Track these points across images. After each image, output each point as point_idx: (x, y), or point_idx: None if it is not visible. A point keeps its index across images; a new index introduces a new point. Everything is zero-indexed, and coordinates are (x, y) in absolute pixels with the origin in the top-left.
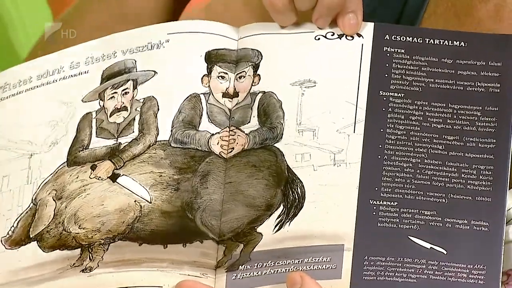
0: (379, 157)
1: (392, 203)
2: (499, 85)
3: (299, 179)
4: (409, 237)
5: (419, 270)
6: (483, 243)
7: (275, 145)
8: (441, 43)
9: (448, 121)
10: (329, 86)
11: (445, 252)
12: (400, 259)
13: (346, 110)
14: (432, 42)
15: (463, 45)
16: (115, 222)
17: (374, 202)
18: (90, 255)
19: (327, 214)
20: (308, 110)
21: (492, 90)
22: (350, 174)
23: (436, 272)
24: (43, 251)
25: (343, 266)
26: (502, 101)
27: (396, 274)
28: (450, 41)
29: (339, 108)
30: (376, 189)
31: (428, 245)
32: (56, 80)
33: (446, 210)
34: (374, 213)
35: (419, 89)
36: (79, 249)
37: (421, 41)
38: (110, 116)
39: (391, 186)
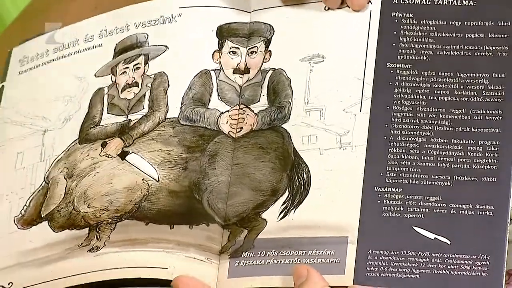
0: (385, 138)
1: (397, 189)
2: (507, 48)
3: (305, 163)
4: (413, 227)
5: (422, 264)
6: (488, 230)
7: (282, 125)
8: (450, 3)
9: (455, 92)
10: (337, 60)
11: (449, 243)
12: (403, 253)
13: (353, 86)
14: (441, 3)
15: (472, 3)
16: (122, 201)
17: (379, 189)
18: (98, 234)
19: (332, 202)
20: (316, 87)
21: (500, 54)
22: (356, 158)
23: (439, 266)
24: (53, 231)
25: (346, 261)
26: (510, 66)
27: (400, 269)
28: (459, 0)
29: (347, 85)
30: (381, 174)
31: (432, 236)
32: (71, 54)
33: (451, 194)
34: (378, 201)
35: (426, 58)
36: (87, 229)
37: (429, 2)
38: (121, 92)
39: (396, 170)
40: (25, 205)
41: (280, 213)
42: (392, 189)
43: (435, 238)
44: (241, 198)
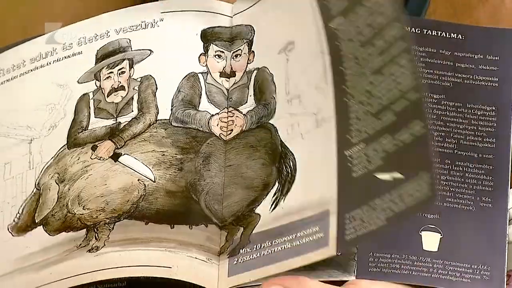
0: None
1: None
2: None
3: (291, 152)
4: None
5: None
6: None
7: (269, 121)
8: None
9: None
10: (305, 42)
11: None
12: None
13: (318, 62)
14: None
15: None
16: (119, 201)
17: (348, 152)
18: (96, 234)
19: (314, 180)
20: (294, 76)
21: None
22: (330, 131)
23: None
24: (49, 235)
25: (329, 232)
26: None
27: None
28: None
29: (313, 63)
30: (347, 136)
31: None
32: (49, 63)
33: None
34: (349, 163)
35: None
36: (85, 230)
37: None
38: (107, 96)
39: (361, 129)
40: (18, 212)
41: (272, 204)
42: (358, 147)
43: None
44: (236, 198)
